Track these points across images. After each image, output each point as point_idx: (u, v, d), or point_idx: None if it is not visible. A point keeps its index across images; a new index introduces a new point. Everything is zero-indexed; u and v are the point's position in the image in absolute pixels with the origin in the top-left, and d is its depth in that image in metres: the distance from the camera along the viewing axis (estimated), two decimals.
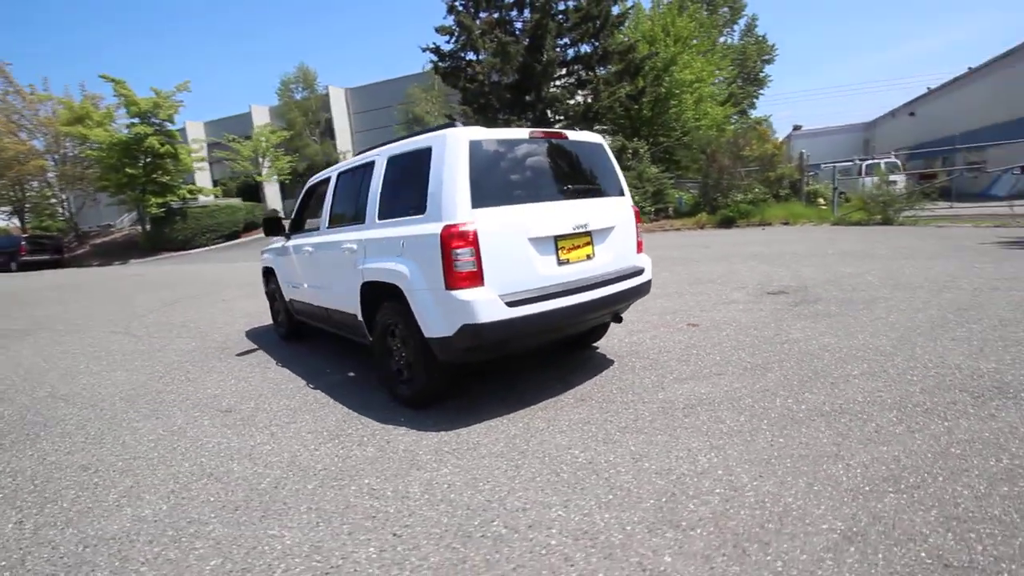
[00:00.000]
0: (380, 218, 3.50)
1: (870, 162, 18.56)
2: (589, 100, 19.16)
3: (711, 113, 22.15)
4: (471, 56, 20.51)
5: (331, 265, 4.10)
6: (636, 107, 20.61)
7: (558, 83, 20.59)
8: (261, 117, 35.42)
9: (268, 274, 5.86)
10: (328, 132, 35.62)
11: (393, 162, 3.49)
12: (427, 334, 3.08)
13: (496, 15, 19.74)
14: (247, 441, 3.19)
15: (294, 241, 4.95)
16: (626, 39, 20.32)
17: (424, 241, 3.00)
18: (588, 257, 3.40)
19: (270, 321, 6.69)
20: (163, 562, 2.10)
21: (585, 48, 20.11)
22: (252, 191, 33.42)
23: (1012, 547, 1.79)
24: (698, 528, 2.03)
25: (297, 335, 5.62)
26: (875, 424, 2.74)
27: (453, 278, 2.89)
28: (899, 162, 18.42)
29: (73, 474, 2.92)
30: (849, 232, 11.86)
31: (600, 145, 3.78)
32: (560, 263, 3.25)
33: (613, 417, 3.10)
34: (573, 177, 3.55)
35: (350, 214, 3.99)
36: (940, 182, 15.08)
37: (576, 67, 20.21)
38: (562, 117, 19.91)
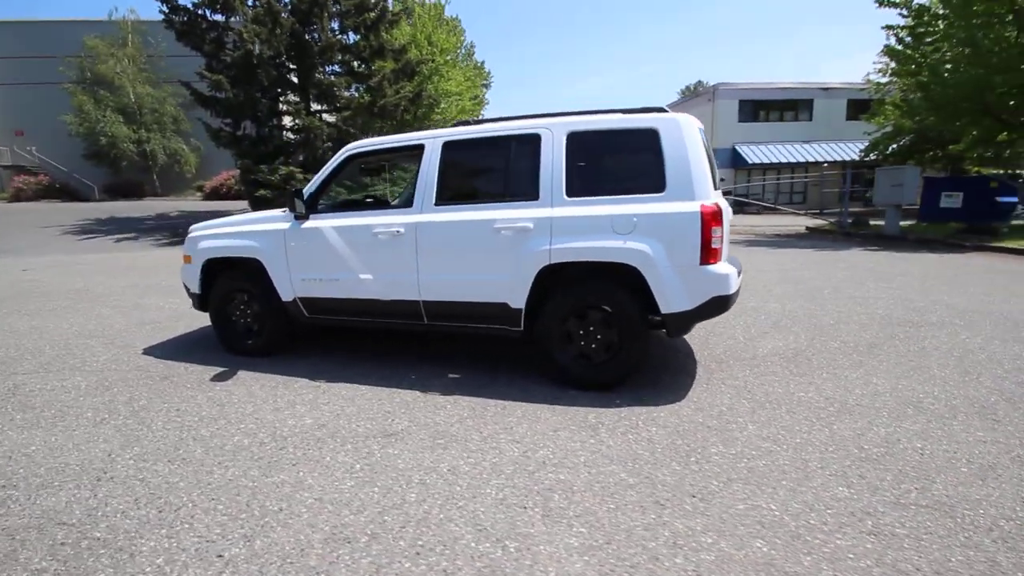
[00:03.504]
0: (570, 195, 3.30)
1: None
2: (370, 96, 18.44)
3: None
4: (218, 17, 17.24)
5: (462, 249, 3.49)
6: (414, 108, 20.87)
7: (326, 71, 19.19)
8: None
9: (216, 271, 4.26)
10: None
11: (580, 139, 3.32)
12: (666, 309, 3.16)
13: None
14: (503, 455, 2.64)
15: (330, 221, 3.84)
16: (397, 42, 20.35)
17: (676, 219, 3.09)
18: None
19: (146, 343, 4.86)
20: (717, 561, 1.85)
21: (357, 39, 19.26)
22: None
23: None
24: (999, 409, 2.99)
25: (279, 345, 4.29)
26: (965, 336, 4.22)
27: (708, 253, 3.10)
28: None
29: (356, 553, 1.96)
30: None
31: None
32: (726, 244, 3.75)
33: (785, 369, 3.79)
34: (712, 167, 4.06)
35: (495, 190, 3.52)
36: None
37: (348, 57, 19.17)
38: (337, 107, 18.64)
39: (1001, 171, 15.77)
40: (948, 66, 11.95)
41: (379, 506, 2.23)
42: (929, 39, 12.83)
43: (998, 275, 7.48)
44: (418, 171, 3.67)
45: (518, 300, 3.42)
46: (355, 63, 19.36)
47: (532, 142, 3.42)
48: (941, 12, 12.19)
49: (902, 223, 12.89)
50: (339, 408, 3.26)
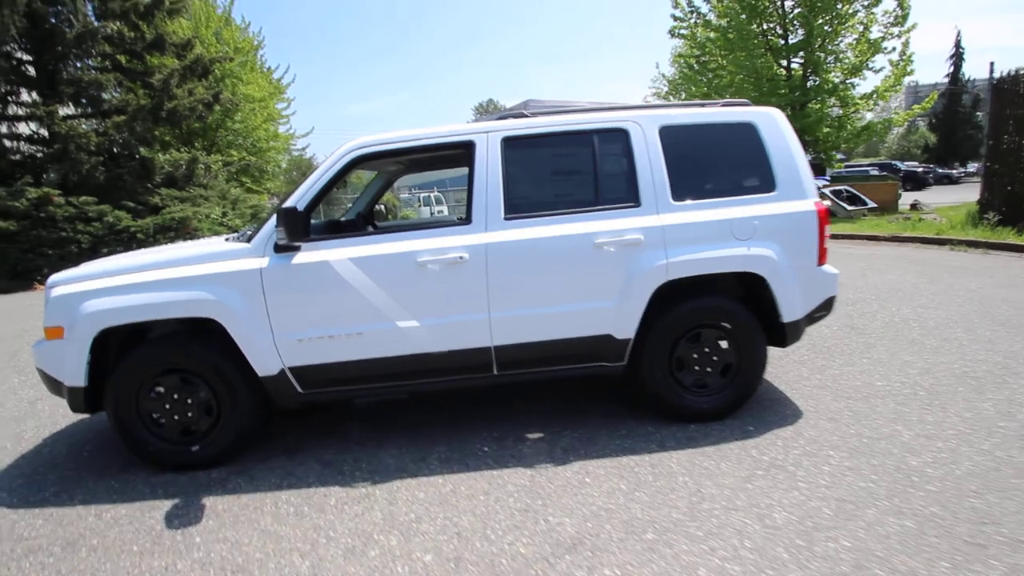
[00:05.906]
0: (676, 199, 2.80)
1: (424, 195, 23.20)
2: (153, 98, 14.78)
3: (281, 136, 21.41)
4: None
5: (553, 273, 2.69)
6: (209, 114, 17.50)
7: (86, 65, 14.95)
8: None
9: (117, 346, 2.65)
10: None
11: (674, 134, 2.84)
12: (788, 317, 2.88)
13: None
14: (744, 534, 2.05)
15: (340, 251, 2.64)
16: (177, 36, 16.84)
17: (796, 219, 2.84)
18: None
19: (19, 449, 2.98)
20: None
21: (119, 26, 15.31)
22: None
23: None
24: (1011, 373, 3.34)
25: (247, 444, 2.85)
26: (895, 309, 4.71)
27: (822, 254, 2.93)
28: (442, 195, 23.68)
29: None
30: None
31: None
32: None
33: (829, 360, 3.84)
34: None
35: (581, 197, 2.80)
36: None
37: (114, 50, 15.16)
38: (104, 111, 14.62)
39: None
40: (732, 88, 14.52)
41: None
42: (712, 67, 15.46)
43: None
44: (472, 177, 2.77)
45: (626, 329, 2.80)
46: (124, 58, 15.44)
47: (619, 138, 2.85)
48: (720, 46, 14.76)
49: None
50: (446, 522, 2.22)
